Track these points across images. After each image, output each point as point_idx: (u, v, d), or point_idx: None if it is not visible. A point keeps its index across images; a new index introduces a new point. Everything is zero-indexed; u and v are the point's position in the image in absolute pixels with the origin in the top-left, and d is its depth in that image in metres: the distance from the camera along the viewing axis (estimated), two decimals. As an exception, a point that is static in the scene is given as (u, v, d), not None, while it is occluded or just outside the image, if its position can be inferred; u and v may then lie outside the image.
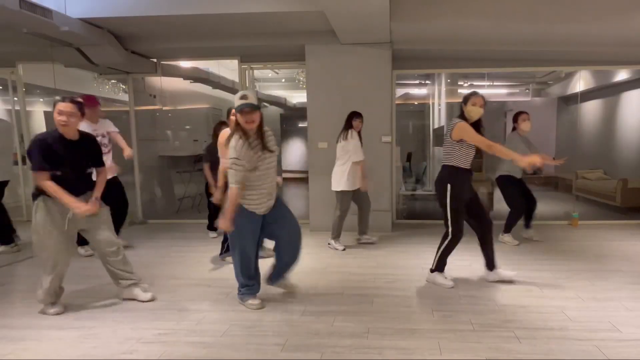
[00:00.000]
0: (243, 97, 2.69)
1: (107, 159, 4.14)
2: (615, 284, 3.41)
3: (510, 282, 3.42)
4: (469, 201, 3.35)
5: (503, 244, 4.63)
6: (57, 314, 2.93)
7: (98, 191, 2.99)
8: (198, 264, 4.11)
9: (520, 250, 4.41)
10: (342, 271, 3.82)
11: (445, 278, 3.42)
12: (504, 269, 3.49)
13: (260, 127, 2.80)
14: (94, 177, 3.09)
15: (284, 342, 2.50)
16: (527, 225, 4.84)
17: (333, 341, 2.50)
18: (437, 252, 3.41)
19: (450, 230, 3.30)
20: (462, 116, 3.26)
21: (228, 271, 3.86)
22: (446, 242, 3.34)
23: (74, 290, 3.33)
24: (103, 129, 4.30)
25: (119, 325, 2.76)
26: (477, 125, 3.24)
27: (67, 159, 2.82)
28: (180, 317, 2.87)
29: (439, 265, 3.43)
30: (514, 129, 4.62)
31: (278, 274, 3.17)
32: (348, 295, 3.22)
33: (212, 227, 5.16)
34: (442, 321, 2.75)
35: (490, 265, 3.47)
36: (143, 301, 3.10)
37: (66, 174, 2.82)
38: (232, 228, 2.79)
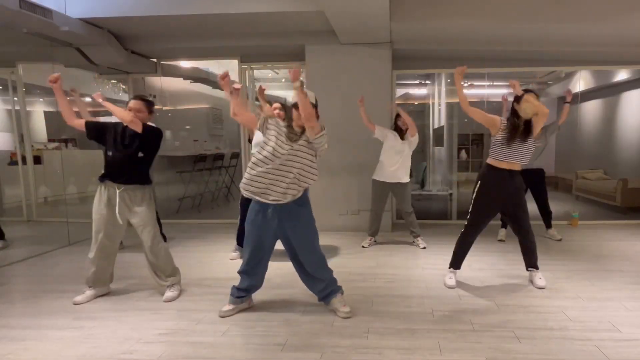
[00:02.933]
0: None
1: None
2: (615, 284, 3.41)
3: (539, 288, 3.34)
4: (507, 203, 3.28)
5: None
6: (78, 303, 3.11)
7: (110, 104, 3.01)
8: (198, 264, 4.11)
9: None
10: (342, 271, 3.81)
11: (450, 278, 3.42)
12: (539, 276, 3.40)
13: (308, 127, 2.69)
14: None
15: (284, 342, 2.50)
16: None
17: (333, 341, 2.50)
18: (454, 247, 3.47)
19: (466, 222, 3.34)
20: (515, 115, 3.21)
21: (228, 271, 3.86)
22: (461, 234, 3.39)
23: (73, 290, 3.32)
24: None
25: (119, 325, 2.76)
26: (527, 126, 3.20)
27: (118, 139, 3.03)
28: (180, 317, 2.87)
29: (452, 261, 3.46)
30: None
31: (320, 295, 2.96)
32: (348, 295, 3.21)
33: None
34: (442, 321, 2.75)
35: (527, 264, 3.46)
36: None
37: (114, 156, 3.03)
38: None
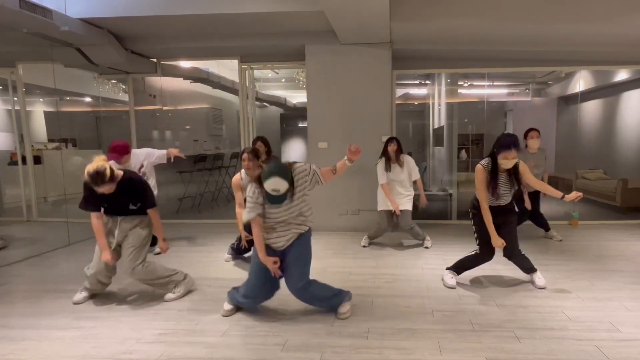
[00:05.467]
0: (274, 190, 2.51)
1: (151, 183, 4.32)
2: (615, 284, 3.40)
3: (541, 288, 3.31)
4: (499, 226, 3.24)
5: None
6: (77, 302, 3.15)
7: (157, 232, 3.15)
8: (198, 264, 4.11)
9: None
10: (342, 271, 3.81)
11: (451, 278, 3.41)
12: (538, 276, 3.39)
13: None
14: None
15: (284, 342, 2.50)
16: (545, 227, 4.95)
17: (333, 341, 2.50)
18: (463, 257, 3.44)
19: (478, 247, 3.36)
20: (493, 156, 3.15)
21: (228, 271, 3.87)
22: (472, 253, 3.40)
23: (73, 290, 3.32)
24: (134, 166, 4.25)
25: (119, 325, 2.76)
26: (515, 171, 3.18)
27: (107, 200, 3.01)
28: (180, 317, 2.87)
29: (456, 267, 3.45)
30: (526, 146, 4.65)
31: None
32: (348, 295, 3.22)
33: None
34: (442, 321, 2.75)
35: (523, 272, 3.46)
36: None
37: (109, 208, 3.11)
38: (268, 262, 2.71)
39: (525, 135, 4.67)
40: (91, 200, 3.01)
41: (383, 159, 4.51)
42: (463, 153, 8.60)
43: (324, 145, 5.38)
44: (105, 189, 2.84)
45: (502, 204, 3.26)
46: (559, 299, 3.08)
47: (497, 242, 3.16)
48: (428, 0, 4.58)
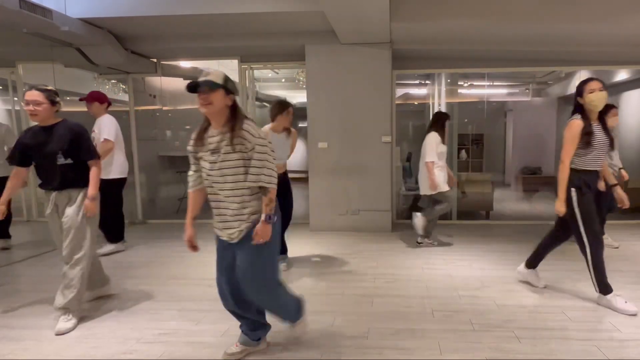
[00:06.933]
0: (205, 74, 2.07)
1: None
2: (615, 284, 3.37)
3: (539, 287, 3.31)
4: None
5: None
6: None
7: (91, 188, 2.75)
8: (198, 264, 4.11)
9: (521, 251, 4.40)
10: (342, 271, 3.81)
11: (619, 302, 2.85)
12: (536, 275, 3.36)
13: (232, 116, 2.20)
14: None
15: (284, 342, 2.50)
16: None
17: (333, 341, 2.50)
18: (590, 272, 2.92)
19: (585, 240, 2.86)
20: (581, 111, 2.85)
21: (228, 271, 3.86)
22: (589, 255, 2.87)
23: (74, 290, 3.32)
24: (95, 127, 4.24)
25: (119, 325, 2.76)
26: (601, 116, 2.89)
27: (35, 146, 2.70)
28: (180, 317, 2.87)
29: (602, 286, 2.90)
30: None
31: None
32: (348, 295, 3.22)
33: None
34: (442, 321, 2.75)
35: (529, 263, 3.36)
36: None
37: (40, 164, 2.76)
38: None
39: (605, 113, 4.47)
40: (17, 149, 2.73)
41: (434, 132, 4.33)
42: (463, 153, 8.59)
43: (324, 146, 5.38)
44: (34, 95, 2.59)
45: (599, 166, 2.91)
46: (559, 299, 3.08)
47: (562, 207, 2.85)
48: (428, 0, 4.58)
